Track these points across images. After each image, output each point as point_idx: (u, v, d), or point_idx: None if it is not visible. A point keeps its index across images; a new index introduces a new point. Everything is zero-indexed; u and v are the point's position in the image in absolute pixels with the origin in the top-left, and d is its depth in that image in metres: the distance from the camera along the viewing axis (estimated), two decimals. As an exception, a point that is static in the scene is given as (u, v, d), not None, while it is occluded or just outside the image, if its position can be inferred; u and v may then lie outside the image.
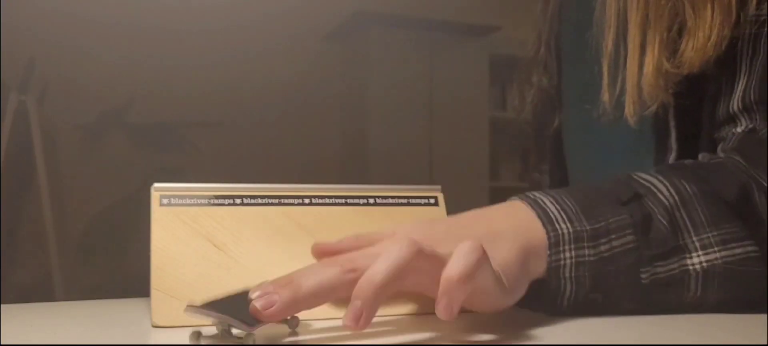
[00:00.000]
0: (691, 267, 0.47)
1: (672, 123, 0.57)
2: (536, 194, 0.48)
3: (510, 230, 0.45)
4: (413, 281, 0.39)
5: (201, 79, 2.92)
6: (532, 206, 0.47)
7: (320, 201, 0.53)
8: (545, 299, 0.46)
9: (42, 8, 2.71)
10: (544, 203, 0.47)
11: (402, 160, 3.02)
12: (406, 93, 3.09)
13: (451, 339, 0.41)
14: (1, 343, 0.39)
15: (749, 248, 0.48)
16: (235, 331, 0.38)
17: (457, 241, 0.39)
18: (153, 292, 0.45)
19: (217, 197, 0.50)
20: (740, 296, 0.48)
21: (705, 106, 0.57)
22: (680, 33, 0.54)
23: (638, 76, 0.56)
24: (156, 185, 0.50)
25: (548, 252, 0.45)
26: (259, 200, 0.51)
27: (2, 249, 2.25)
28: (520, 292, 0.44)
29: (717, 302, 0.48)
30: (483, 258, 0.38)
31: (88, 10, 2.77)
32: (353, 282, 0.37)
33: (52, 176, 2.36)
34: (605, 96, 0.59)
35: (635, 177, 0.50)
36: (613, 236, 0.46)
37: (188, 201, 0.50)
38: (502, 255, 0.43)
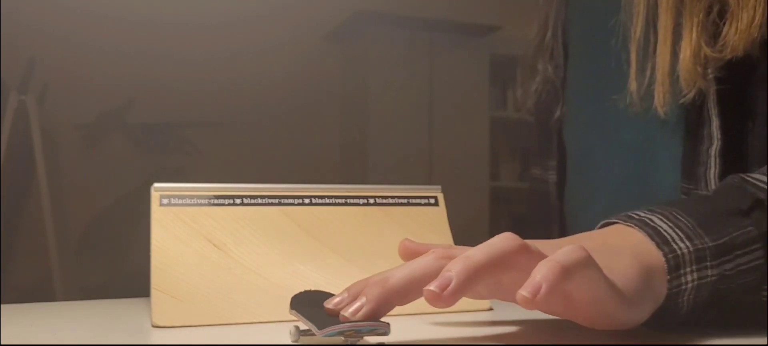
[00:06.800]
0: None
1: (714, 111, 0.53)
2: (640, 212, 0.42)
3: (627, 247, 0.40)
4: (511, 278, 0.36)
5: (201, 79, 2.92)
6: (641, 228, 0.41)
7: (320, 201, 0.53)
8: (655, 316, 0.41)
9: (42, 8, 2.71)
10: (654, 222, 0.41)
11: (402, 161, 3.02)
12: (406, 93, 3.09)
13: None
14: (1, 343, 0.39)
15: None
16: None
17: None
18: (153, 292, 0.45)
19: (217, 197, 0.50)
20: None
21: (750, 90, 0.52)
22: (719, 15, 0.52)
23: (671, 63, 0.53)
24: (156, 184, 0.49)
25: (668, 276, 0.39)
26: (259, 200, 0.51)
27: (2, 249, 2.25)
28: (644, 310, 0.39)
29: None
30: (587, 259, 0.35)
31: (88, 11, 2.77)
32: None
33: (52, 176, 2.36)
34: (633, 85, 0.55)
35: (750, 180, 0.44)
36: (739, 252, 0.41)
37: (188, 201, 0.50)
38: (620, 268, 0.38)
